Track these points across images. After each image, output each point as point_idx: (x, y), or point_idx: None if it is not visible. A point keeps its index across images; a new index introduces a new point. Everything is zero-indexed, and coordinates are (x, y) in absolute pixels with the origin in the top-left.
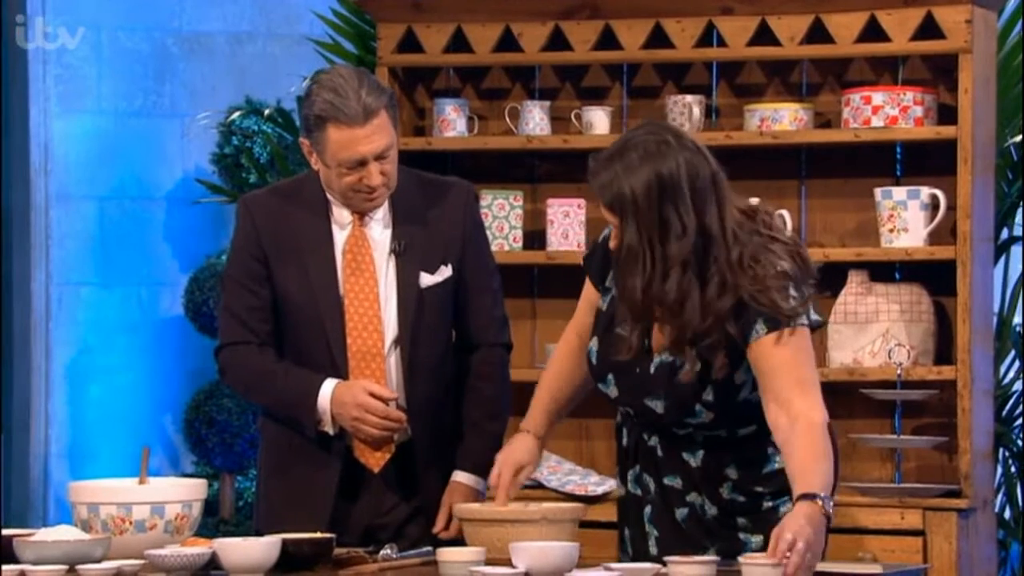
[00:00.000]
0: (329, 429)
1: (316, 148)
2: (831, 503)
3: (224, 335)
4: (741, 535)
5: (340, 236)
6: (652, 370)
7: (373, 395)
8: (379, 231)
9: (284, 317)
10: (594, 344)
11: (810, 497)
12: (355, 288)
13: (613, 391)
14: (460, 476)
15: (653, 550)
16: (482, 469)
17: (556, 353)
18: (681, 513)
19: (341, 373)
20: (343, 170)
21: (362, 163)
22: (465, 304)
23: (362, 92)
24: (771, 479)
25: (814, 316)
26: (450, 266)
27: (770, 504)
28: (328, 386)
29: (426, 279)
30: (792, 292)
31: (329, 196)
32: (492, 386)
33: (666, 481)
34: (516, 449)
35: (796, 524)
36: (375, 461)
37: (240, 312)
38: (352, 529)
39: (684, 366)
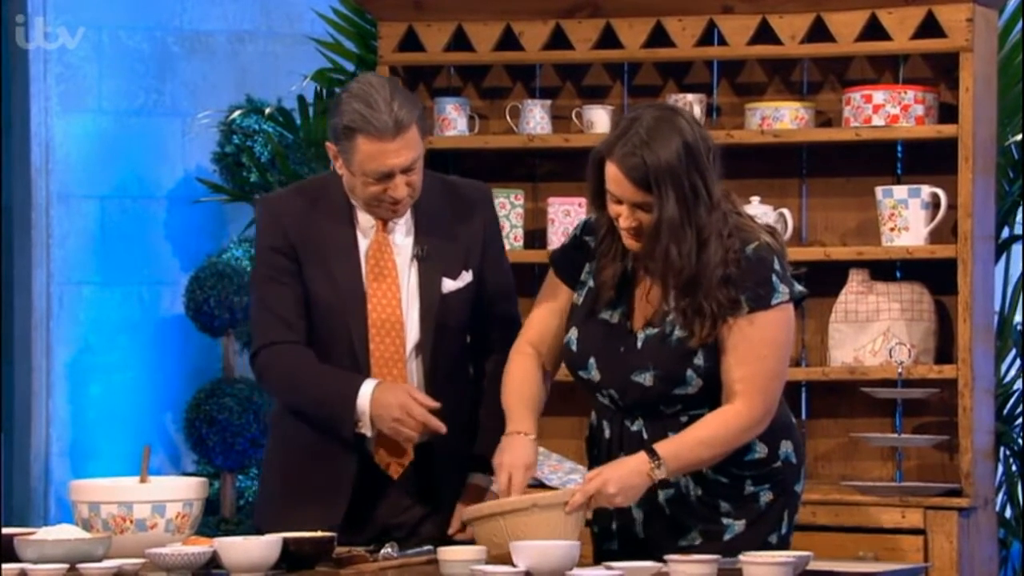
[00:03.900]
0: (367, 431)
1: (343, 155)
2: (663, 473)
3: (262, 335)
4: (724, 520)
5: (363, 241)
6: (639, 345)
7: (417, 401)
8: (401, 237)
9: (311, 320)
10: (573, 334)
11: (652, 454)
12: (378, 293)
13: (595, 375)
14: (476, 478)
15: (640, 534)
16: None
17: (515, 363)
18: (665, 494)
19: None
20: (369, 180)
21: (389, 175)
22: (486, 310)
23: (394, 105)
24: (752, 466)
25: (797, 288)
26: (471, 271)
27: (752, 489)
28: (368, 386)
29: (448, 284)
30: (776, 266)
31: (352, 201)
32: None
33: None
34: (520, 453)
35: (616, 469)
36: (395, 468)
37: (277, 308)
38: (367, 529)
39: (674, 333)
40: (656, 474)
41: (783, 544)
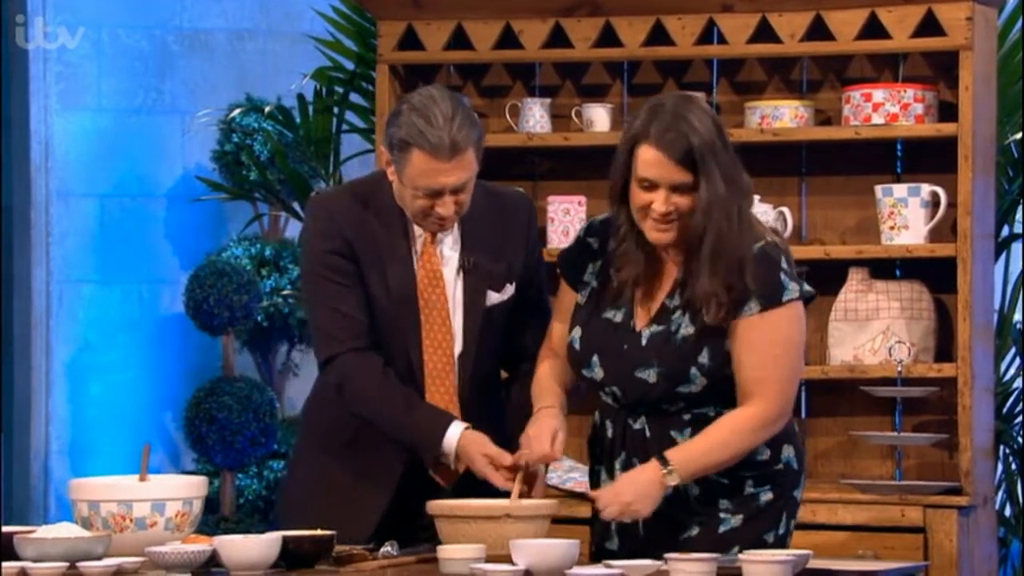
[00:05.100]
0: (450, 464)
1: (396, 165)
2: (675, 479)
3: (333, 341)
4: (721, 515)
5: (415, 249)
6: (644, 342)
7: (491, 461)
8: (448, 248)
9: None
10: (576, 333)
11: (663, 462)
12: (429, 303)
13: (598, 373)
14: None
15: (641, 531)
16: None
17: (540, 366)
18: (664, 493)
19: (418, 387)
20: (418, 193)
21: (438, 193)
22: (523, 321)
23: (454, 124)
24: (755, 467)
25: (806, 287)
26: (514, 284)
27: (752, 490)
28: (455, 430)
29: (492, 297)
30: (784, 264)
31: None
32: None
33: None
34: (546, 423)
35: (630, 479)
36: (448, 479)
37: (346, 310)
38: (402, 529)
39: (679, 331)
40: (668, 479)
41: (780, 545)
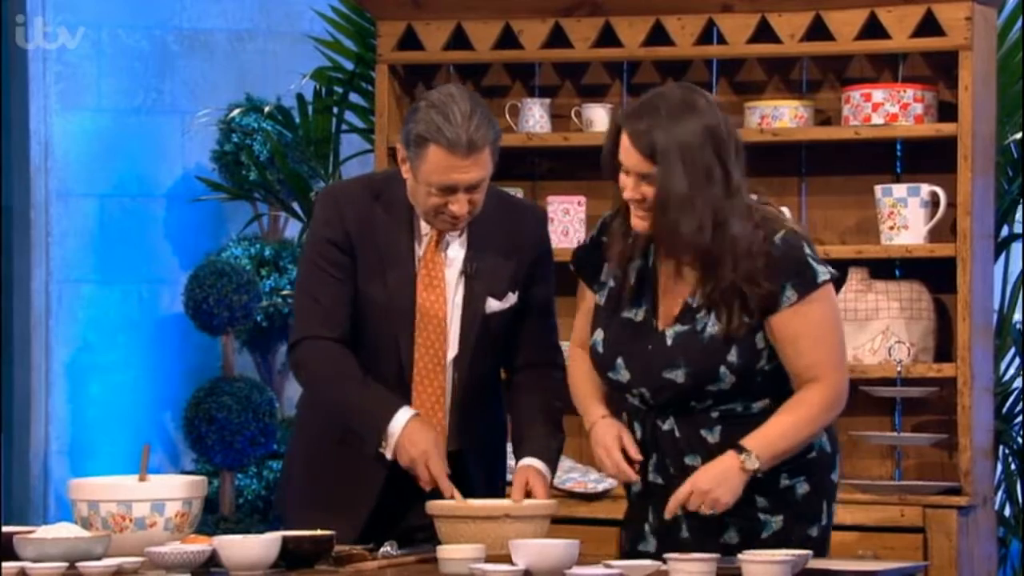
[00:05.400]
0: (388, 454)
1: (411, 162)
2: (755, 462)
3: (304, 326)
4: (761, 515)
5: (418, 248)
6: (669, 342)
7: (427, 461)
8: (455, 250)
9: (359, 319)
10: (598, 335)
11: (739, 450)
12: (426, 304)
13: (624, 375)
14: (530, 460)
15: (685, 533)
16: (547, 457)
17: (571, 366)
18: None
19: (406, 386)
20: (432, 190)
21: (452, 190)
22: (525, 328)
23: (472, 123)
24: (789, 457)
25: (832, 269)
26: (516, 293)
27: (788, 482)
28: (404, 415)
29: (492, 304)
30: (807, 250)
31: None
32: (553, 399)
33: (687, 461)
34: (606, 432)
35: (705, 470)
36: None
37: (324, 300)
38: (393, 528)
39: (706, 330)
40: (748, 464)
41: (824, 536)
